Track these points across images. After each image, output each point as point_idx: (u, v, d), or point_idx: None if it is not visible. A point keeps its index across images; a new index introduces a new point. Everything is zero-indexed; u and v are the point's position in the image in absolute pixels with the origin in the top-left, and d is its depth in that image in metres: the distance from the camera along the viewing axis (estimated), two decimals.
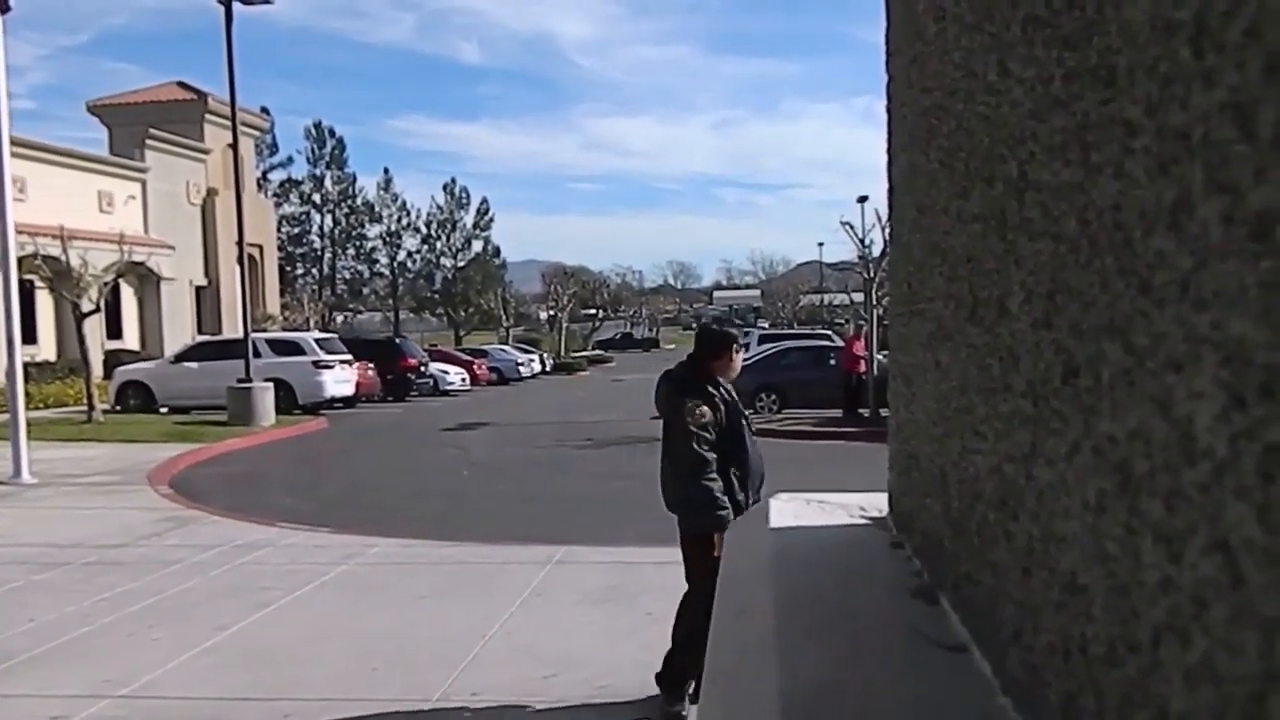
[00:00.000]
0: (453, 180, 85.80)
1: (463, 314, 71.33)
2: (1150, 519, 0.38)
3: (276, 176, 72.38)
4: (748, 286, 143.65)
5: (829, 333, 36.58)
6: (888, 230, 1.02)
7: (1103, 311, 0.43)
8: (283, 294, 41.59)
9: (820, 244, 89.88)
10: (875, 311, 29.72)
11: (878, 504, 1.10)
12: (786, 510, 1.08)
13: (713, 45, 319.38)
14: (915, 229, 0.86)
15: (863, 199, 43.79)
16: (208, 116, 37.28)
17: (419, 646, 6.27)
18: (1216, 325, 0.33)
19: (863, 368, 21.46)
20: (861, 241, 30.50)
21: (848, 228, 32.23)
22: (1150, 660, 0.38)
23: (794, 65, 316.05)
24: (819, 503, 1.12)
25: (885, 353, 26.93)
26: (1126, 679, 0.40)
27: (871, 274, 28.97)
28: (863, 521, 1.04)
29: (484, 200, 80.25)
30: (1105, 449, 0.43)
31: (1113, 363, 0.42)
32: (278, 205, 61.40)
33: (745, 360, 23.94)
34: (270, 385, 21.43)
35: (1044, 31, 0.50)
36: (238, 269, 26.22)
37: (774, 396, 22.75)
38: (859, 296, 37.60)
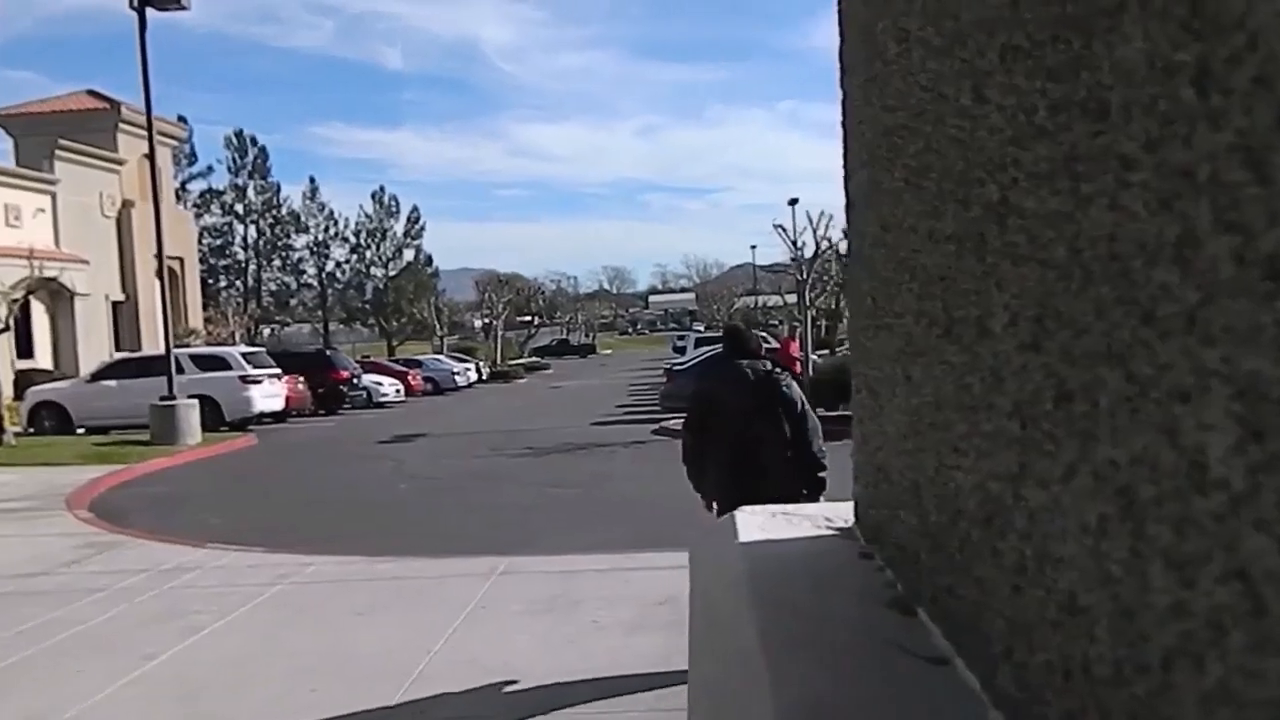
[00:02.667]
0: (381, 188, 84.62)
1: (395, 324, 70.36)
2: (1159, 544, 0.39)
3: (196, 187, 70.52)
4: (682, 290, 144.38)
5: (765, 334, 36.97)
6: (846, 243, 1.04)
7: (1098, 339, 0.44)
8: (205, 307, 40.51)
9: (753, 247, 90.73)
10: (809, 313, 30.13)
11: (842, 514, 1.11)
12: (753, 523, 1.08)
13: (635, 52, 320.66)
14: (879, 244, 0.87)
15: (793, 202, 44.37)
16: (121, 126, 36.13)
17: (361, 665, 6.15)
18: (1227, 360, 0.34)
19: (798, 368, 21.72)
20: (794, 244, 30.89)
21: (780, 231, 32.64)
22: (1161, 682, 0.38)
23: (717, 71, 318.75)
24: (784, 515, 1.12)
25: (821, 352, 27.28)
26: (1134, 699, 0.41)
27: (805, 276, 29.38)
28: (829, 532, 1.05)
29: (415, 208, 79.28)
30: (1106, 474, 0.44)
31: (1112, 390, 0.43)
32: (198, 216, 59.81)
33: (682, 364, 23.99)
34: (195, 402, 20.85)
35: (1025, 62, 0.51)
36: (157, 283, 25.46)
37: None
38: (792, 298, 38.04)
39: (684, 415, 6.05)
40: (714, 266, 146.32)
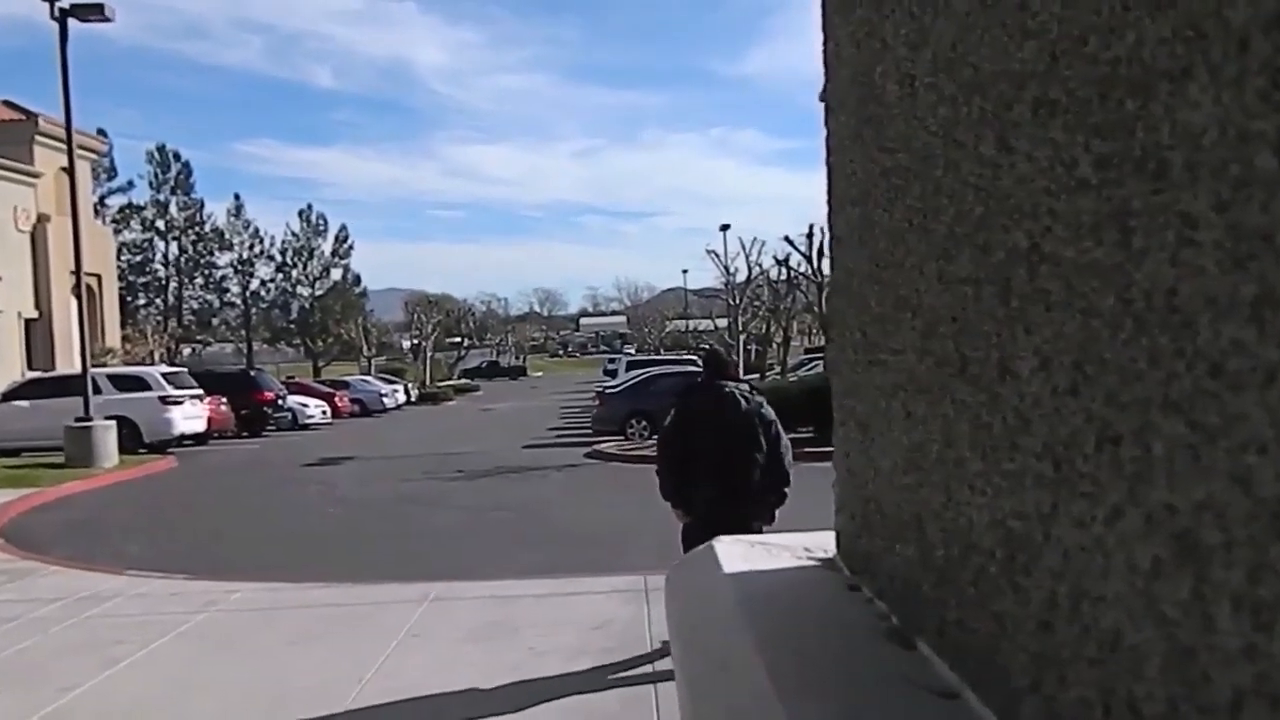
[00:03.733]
0: (309, 207, 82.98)
1: (321, 344, 69.02)
2: (1228, 588, 0.40)
3: (115, 201, 68.39)
4: (613, 313, 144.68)
5: (695, 358, 37.23)
6: (828, 277, 1.05)
7: (1153, 387, 0.45)
8: (124, 326, 39.22)
9: (685, 271, 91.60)
10: (741, 337, 30.45)
11: (821, 544, 1.12)
12: (734, 553, 1.09)
13: (572, 75, 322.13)
14: (872, 280, 0.89)
15: (724, 227, 44.95)
16: (38, 138, 34.86)
17: (290, 696, 5.98)
18: None
19: None
20: (726, 269, 31.27)
21: (713, 255, 33.05)
22: None
23: (653, 96, 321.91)
24: (762, 545, 1.13)
25: (751, 377, 27.58)
26: None
27: (737, 301, 29.78)
28: (811, 563, 1.06)
29: (343, 227, 78.04)
30: (1160, 517, 0.45)
31: (1168, 436, 0.45)
32: (117, 232, 57.98)
33: (613, 388, 24.03)
34: (112, 424, 20.13)
35: (1064, 117, 0.53)
36: (73, 300, 24.59)
37: (644, 422, 22.91)
38: (723, 322, 38.38)
39: (658, 433, 6.70)
40: (645, 290, 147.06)
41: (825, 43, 1.06)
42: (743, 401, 6.11)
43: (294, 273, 75.35)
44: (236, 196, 77.16)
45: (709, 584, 1.00)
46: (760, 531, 5.90)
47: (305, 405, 33.87)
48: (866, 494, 0.93)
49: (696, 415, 6.16)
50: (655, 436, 23.47)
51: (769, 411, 6.11)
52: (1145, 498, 0.46)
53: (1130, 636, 0.48)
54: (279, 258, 75.30)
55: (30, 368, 31.64)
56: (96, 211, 51.71)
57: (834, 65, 1.03)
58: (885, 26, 0.82)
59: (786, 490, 6.03)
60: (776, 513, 6.04)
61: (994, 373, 0.63)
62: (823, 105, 1.06)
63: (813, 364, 31.00)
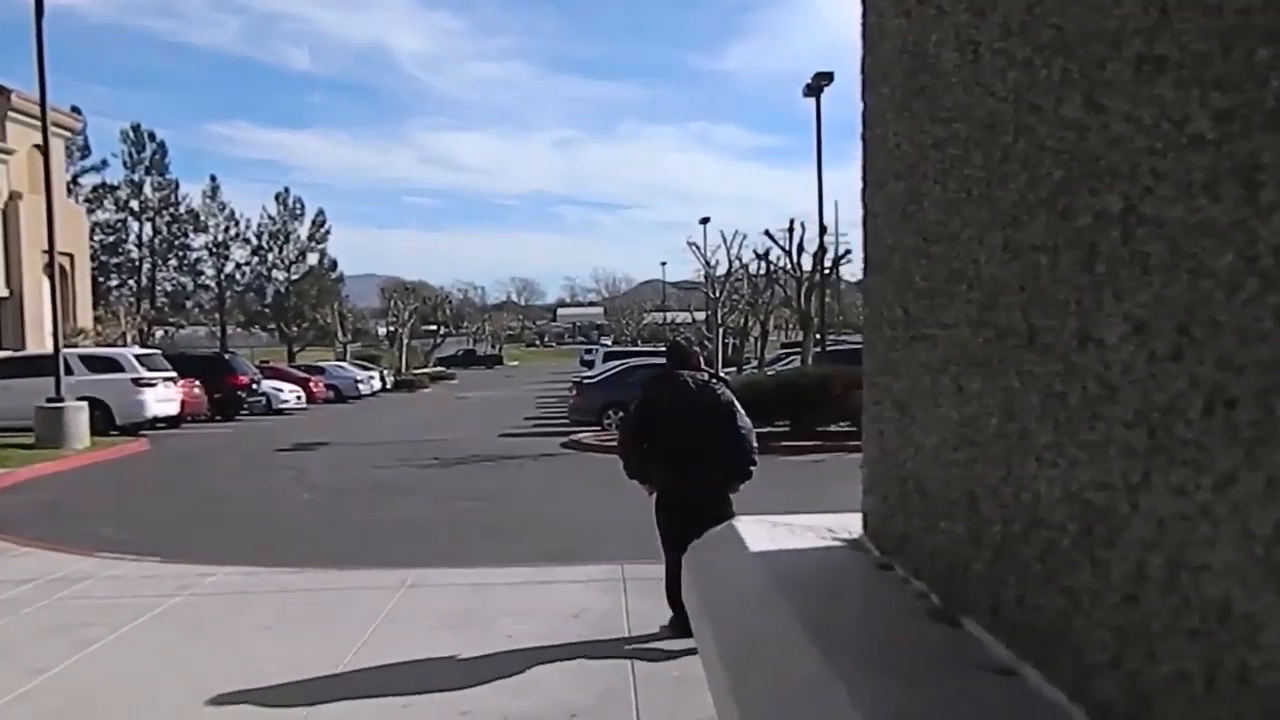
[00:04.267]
0: (286, 190, 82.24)
1: (296, 329, 68.43)
2: None
3: (89, 181, 67.39)
4: (590, 304, 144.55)
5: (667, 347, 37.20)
6: (863, 254, 1.04)
7: (1278, 346, 0.44)
8: (96, 306, 38.71)
9: (663, 263, 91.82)
10: (719, 330, 30.52)
11: (843, 525, 1.11)
12: (758, 533, 1.07)
13: (551, 66, 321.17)
14: (918, 255, 0.88)
15: (704, 221, 44.99)
16: (10, 114, 34.30)
17: (265, 681, 5.93)
18: None
19: None
20: (706, 262, 31.30)
21: (694, 248, 33.07)
22: None
23: (631, 89, 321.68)
24: (785, 525, 1.12)
25: (729, 370, 27.63)
26: None
27: (717, 294, 29.82)
28: (837, 544, 1.05)
29: (320, 211, 77.31)
30: None
31: None
32: (90, 211, 57.11)
33: (590, 378, 24.13)
34: (84, 405, 19.88)
35: (1176, 73, 0.51)
36: (45, 279, 24.21)
37: (621, 413, 22.88)
38: (701, 315, 38.43)
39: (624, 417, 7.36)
40: (623, 281, 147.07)
41: (865, 15, 1.04)
42: (703, 390, 6.69)
43: (270, 256, 74.63)
44: (213, 178, 76.23)
45: (736, 563, 0.99)
46: (729, 502, 6.43)
47: (280, 390, 33.62)
48: (903, 473, 0.92)
49: (658, 402, 6.72)
50: None
51: (727, 394, 6.67)
52: (1267, 461, 0.45)
53: (1243, 605, 0.47)
54: (255, 241, 74.51)
55: (0, 347, 31.17)
56: (70, 190, 50.97)
57: (875, 37, 1.01)
58: None
59: (752, 467, 6.61)
60: (742, 486, 6.70)
61: (1071, 341, 0.62)
62: (860, 79, 1.04)
63: (789, 359, 31.08)
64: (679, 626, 6.30)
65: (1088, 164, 0.59)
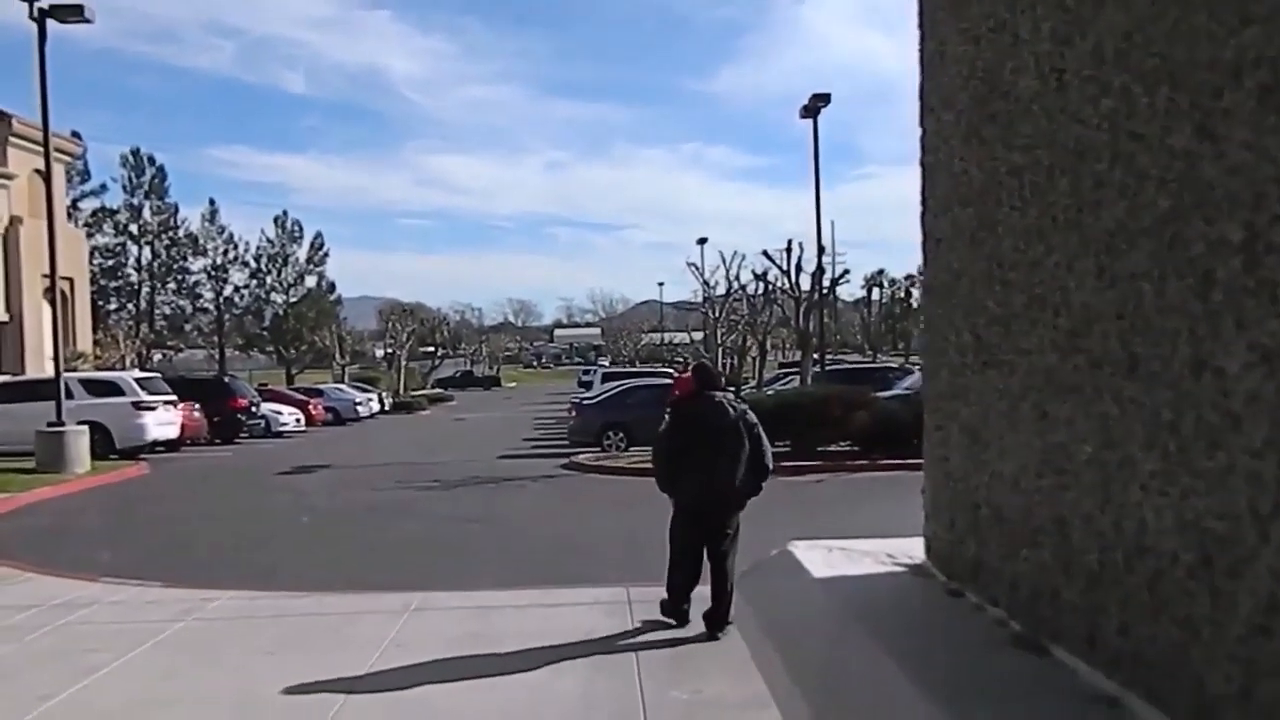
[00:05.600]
0: (285, 213, 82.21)
1: (295, 351, 68.37)
2: None
3: (88, 205, 67.50)
4: (588, 325, 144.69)
5: (671, 370, 37.26)
6: (922, 278, 1.04)
7: None
8: (95, 330, 38.67)
9: (660, 284, 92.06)
10: (719, 350, 30.50)
11: (903, 550, 1.11)
12: (817, 559, 1.07)
13: (543, 89, 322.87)
14: (994, 281, 0.88)
15: (702, 241, 45.08)
16: (11, 139, 34.42)
17: (273, 708, 5.89)
18: None
19: None
20: (705, 283, 31.32)
21: (693, 268, 33.10)
22: None
23: (623, 111, 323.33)
24: (841, 549, 1.11)
25: (729, 389, 27.56)
26: None
27: (716, 314, 29.81)
28: (899, 569, 1.04)
29: (319, 234, 77.40)
30: None
31: None
32: (89, 235, 57.16)
33: (589, 399, 24.17)
34: (84, 429, 19.83)
35: None
36: (46, 304, 24.21)
37: (620, 435, 22.86)
38: (699, 335, 38.41)
39: (659, 435, 7.71)
40: (619, 302, 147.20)
41: (923, 41, 1.05)
42: (730, 410, 7.23)
43: (268, 279, 74.64)
44: (212, 202, 75.95)
45: (800, 590, 0.98)
46: (740, 511, 7.12)
47: (279, 413, 33.58)
48: (975, 499, 0.92)
49: (687, 420, 7.24)
50: (632, 448, 23.48)
51: (751, 416, 7.28)
52: None
53: None
54: (253, 264, 74.57)
55: None
56: (69, 214, 51.08)
57: (935, 64, 1.01)
58: (1020, 21, 0.81)
59: (763, 484, 7.25)
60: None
61: (1184, 370, 0.61)
62: (919, 104, 1.05)
63: (788, 379, 31.07)
64: (670, 612, 7.27)
65: (1201, 192, 0.59)
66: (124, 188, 69.89)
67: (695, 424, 7.15)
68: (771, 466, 7.27)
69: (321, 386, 46.33)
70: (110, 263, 69.11)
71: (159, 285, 71.94)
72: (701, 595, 7.21)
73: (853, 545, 1.13)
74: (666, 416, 7.51)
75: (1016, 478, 0.83)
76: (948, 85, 0.97)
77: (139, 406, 23.09)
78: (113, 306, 67.61)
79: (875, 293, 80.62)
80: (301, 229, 76.18)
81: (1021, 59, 0.81)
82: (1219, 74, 0.57)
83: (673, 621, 7.29)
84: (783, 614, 0.96)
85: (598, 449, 22.70)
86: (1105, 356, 0.69)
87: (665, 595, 7.35)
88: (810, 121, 25.98)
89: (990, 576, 0.87)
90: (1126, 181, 0.67)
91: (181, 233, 72.02)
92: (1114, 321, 0.68)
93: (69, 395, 20.48)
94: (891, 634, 0.81)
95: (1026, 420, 0.81)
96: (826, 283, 26.92)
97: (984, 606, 0.88)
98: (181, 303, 73.17)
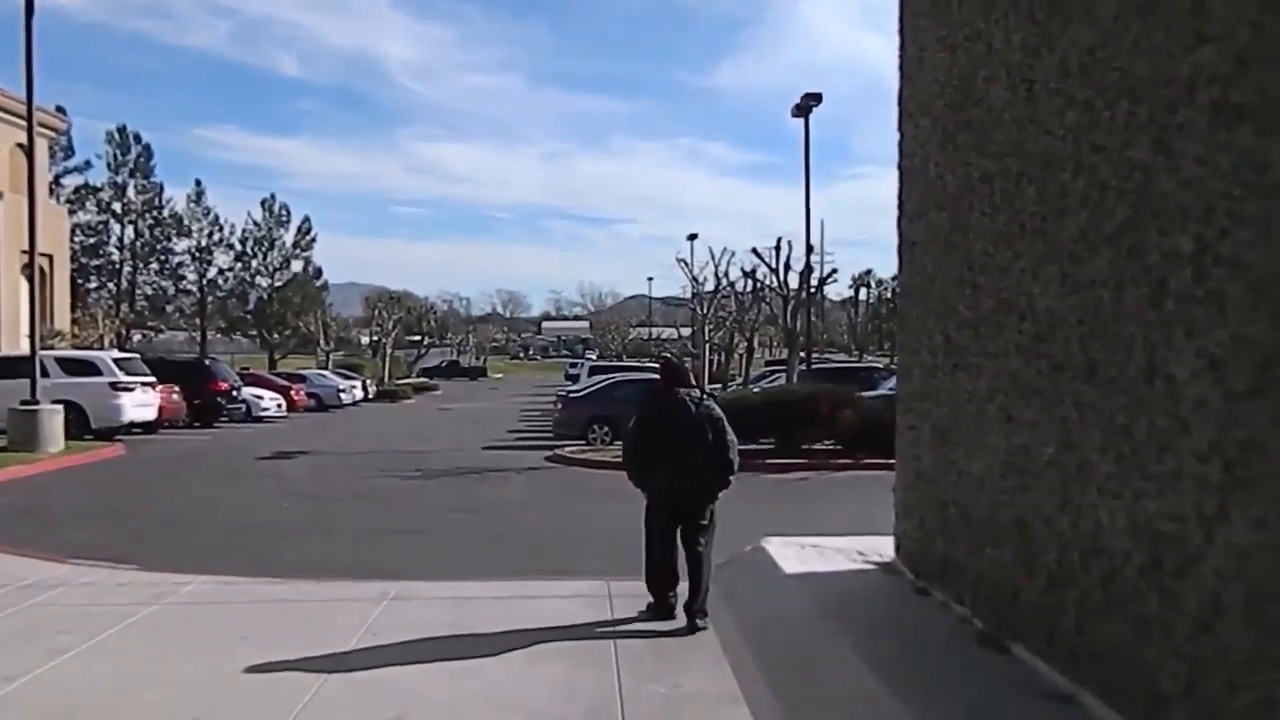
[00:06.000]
0: (272, 196, 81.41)
1: (278, 336, 67.94)
2: None
3: (71, 181, 66.78)
4: (576, 318, 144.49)
5: (658, 364, 37.21)
6: (898, 281, 1.06)
7: None
8: (74, 309, 38.32)
9: (650, 279, 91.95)
10: (706, 346, 30.56)
11: (873, 548, 1.12)
12: (788, 555, 1.08)
13: (541, 79, 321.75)
14: (965, 285, 0.89)
15: (692, 237, 45.10)
16: None
17: (246, 692, 5.86)
18: None
19: None
20: (694, 279, 31.35)
21: (682, 264, 33.14)
22: None
23: (622, 104, 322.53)
24: (813, 546, 1.13)
25: (714, 386, 27.66)
26: None
27: (704, 310, 29.86)
28: (869, 567, 1.06)
29: (306, 219, 76.75)
30: None
31: None
32: (71, 213, 56.57)
33: (576, 392, 24.07)
34: (59, 408, 19.64)
35: (1257, 120, 0.53)
36: (23, 281, 23.98)
37: (606, 428, 22.86)
38: (687, 330, 38.45)
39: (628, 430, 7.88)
40: (609, 296, 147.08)
41: (903, 48, 1.06)
42: (692, 406, 7.42)
43: (253, 262, 74.07)
44: (198, 182, 75.15)
45: (772, 585, 1.00)
46: (713, 503, 7.29)
47: (260, 398, 33.37)
48: (944, 498, 0.93)
49: (654, 417, 7.45)
50: (618, 441, 23.48)
51: (716, 411, 7.45)
52: None
53: None
54: (239, 246, 73.99)
55: None
56: (51, 190, 50.55)
57: (914, 70, 1.03)
58: (994, 31, 0.83)
59: (731, 477, 7.37)
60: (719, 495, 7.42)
61: (1138, 376, 0.63)
62: (897, 109, 1.06)
63: (774, 376, 31.14)
64: (656, 610, 7.30)
65: (1156, 203, 0.61)
66: (108, 165, 69.18)
67: (662, 420, 7.37)
68: (736, 460, 7.38)
69: (305, 372, 46.05)
70: (92, 241, 68.38)
71: (141, 265, 71.26)
72: (684, 590, 7.27)
73: (825, 542, 1.15)
74: (635, 415, 7.73)
75: (983, 478, 0.84)
76: (926, 91, 0.98)
77: (116, 387, 22.88)
78: (93, 285, 66.96)
79: (863, 293, 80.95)
80: (289, 213, 75.62)
81: (994, 69, 0.82)
82: (1175, 89, 0.59)
83: (662, 623, 7.36)
84: (754, 609, 0.98)
85: (583, 442, 22.70)
86: (1067, 361, 0.71)
87: (648, 593, 7.42)
88: (802, 120, 26.01)
89: (956, 575, 0.89)
90: (1089, 191, 0.68)
91: (166, 213, 71.33)
92: (1075, 327, 0.70)
93: (44, 374, 20.25)
94: (859, 630, 0.82)
95: (993, 422, 0.82)
96: (814, 282, 27.00)
97: (949, 604, 0.89)
98: (164, 283, 72.49)
